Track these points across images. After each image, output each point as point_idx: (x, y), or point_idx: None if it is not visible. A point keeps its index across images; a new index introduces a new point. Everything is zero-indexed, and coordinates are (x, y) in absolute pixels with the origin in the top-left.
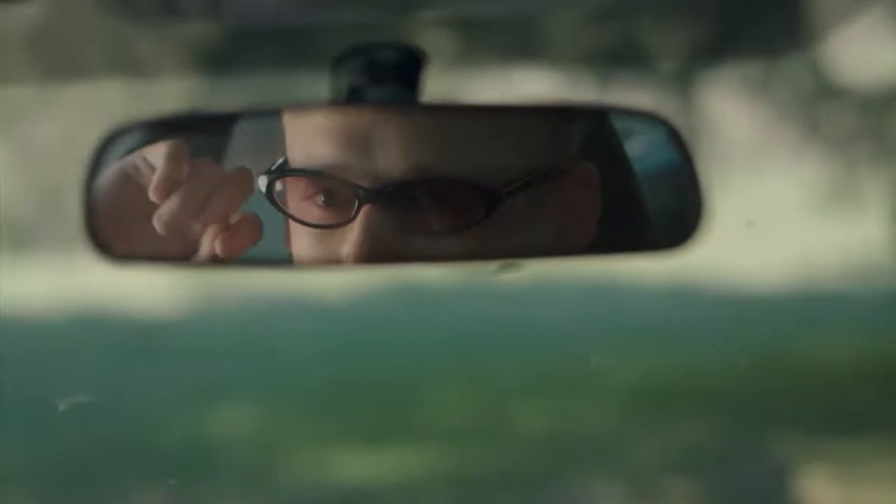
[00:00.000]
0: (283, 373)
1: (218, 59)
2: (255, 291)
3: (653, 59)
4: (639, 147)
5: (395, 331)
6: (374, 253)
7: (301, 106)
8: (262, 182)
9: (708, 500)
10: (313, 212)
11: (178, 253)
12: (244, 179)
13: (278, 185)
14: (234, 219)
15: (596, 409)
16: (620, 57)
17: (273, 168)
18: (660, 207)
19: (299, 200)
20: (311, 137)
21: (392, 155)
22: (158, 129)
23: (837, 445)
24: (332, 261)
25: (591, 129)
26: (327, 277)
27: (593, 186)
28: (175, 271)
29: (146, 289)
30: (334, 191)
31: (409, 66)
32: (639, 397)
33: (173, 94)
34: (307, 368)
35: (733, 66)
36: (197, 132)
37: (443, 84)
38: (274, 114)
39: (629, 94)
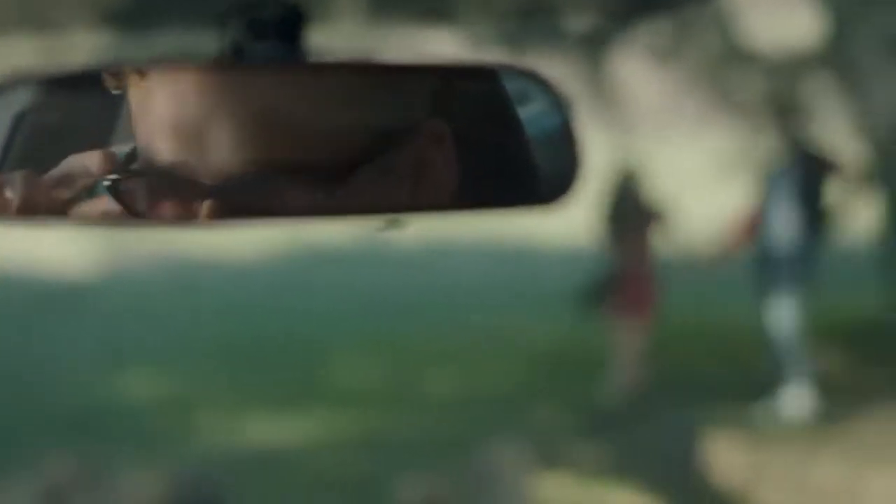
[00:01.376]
0: (192, 336)
1: (128, 17)
2: (164, 254)
3: (563, 21)
4: (523, 106)
5: (303, 294)
6: (226, 217)
7: (169, 64)
8: (105, 183)
9: (614, 462)
10: (164, 202)
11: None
12: (108, 160)
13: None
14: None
15: (501, 372)
16: (531, 19)
17: (122, 158)
18: (536, 165)
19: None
20: (169, 108)
21: (241, 135)
22: (46, 83)
23: (740, 411)
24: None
25: (464, 88)
26: (235, 241)
27: (447, 144)
28: (71, 231)
29: (54, 251)
30: (182, 182)
31: (289, 23)
32: (543, 360)
33: (83, 49)
34: (216, 331)
35: (643, 29)
36: (77, 87)
37: (355, 43)
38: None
39: (540, 57)
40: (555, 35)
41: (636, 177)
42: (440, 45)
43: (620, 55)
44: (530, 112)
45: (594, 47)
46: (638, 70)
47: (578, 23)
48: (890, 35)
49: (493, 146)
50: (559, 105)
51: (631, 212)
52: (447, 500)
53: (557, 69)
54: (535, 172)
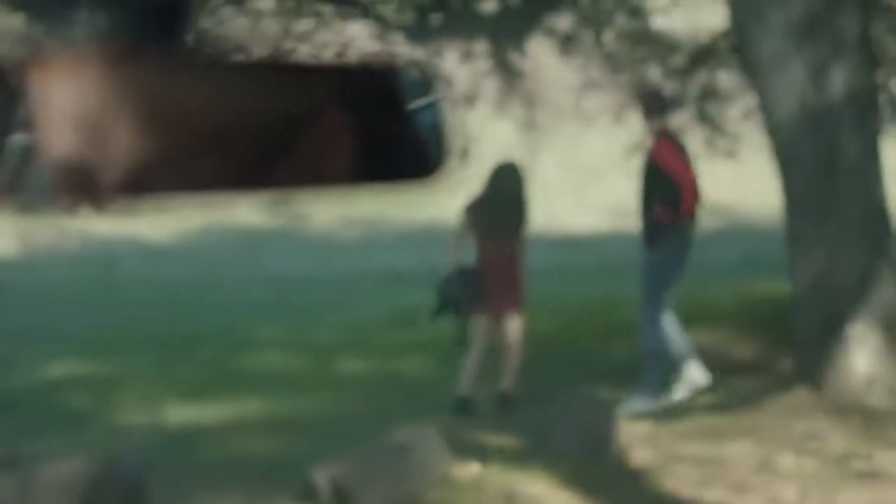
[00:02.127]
0: (109, 320)
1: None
2: (74, 241)
3: (472, 10)
4: (412, 95)
5: (216, 276)
6: (129, 201)
7: (66, 53)
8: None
9: (538, 433)
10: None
11: None
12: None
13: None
14: None
15: (417, 353)
16: (442, 9)
17: (19, 149)
18: (419, 148)
19: None
20: (67, 99)
21: (141, 123)
22: None
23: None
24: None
25: (361, 82)
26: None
27: (344, 131)
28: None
29: None
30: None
31: (171, 11)
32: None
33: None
34: (131, 315)
35: (553, 16)
36: None
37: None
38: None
39: (449, 46)
40: (461, 25)
41: (516, 171)
42: (353, 33)
43: (530, 44)
44: (421, 101)
45: (504, 36)
46: (548, 59)
47: (488, 12)
48: (793, 20)
49: (382, 132)
50: (439, 95)
51: (504, 205)
52: (356, 479)
53: (465, 59)
54: (417, 155)
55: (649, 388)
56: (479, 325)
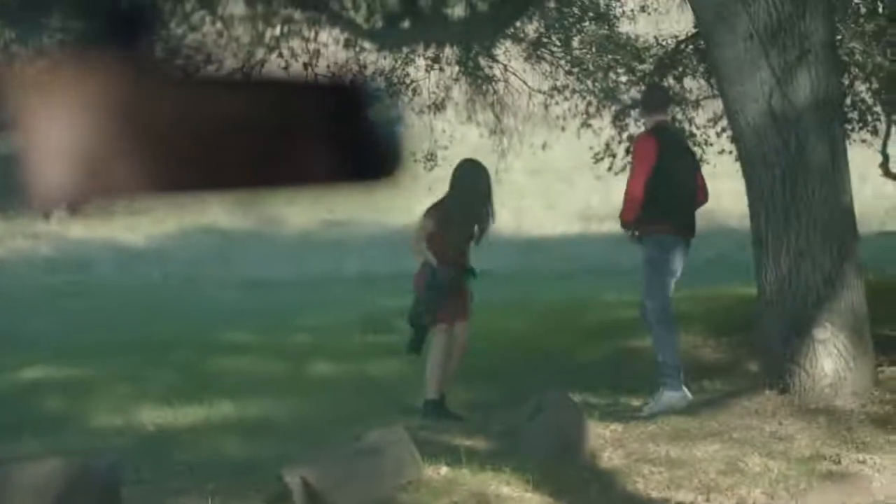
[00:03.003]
0: (87, 322)
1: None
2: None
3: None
4: (376, 103)
5: (192, 279)
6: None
7: (43, 59)
8: None
9: (508, 435)
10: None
11: None
12: None
13: None
14: None
15: (388, 356)
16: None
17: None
18: (375, 154)
19: None
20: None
21: (103, 127)
22: None
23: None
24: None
25: (322, 94)
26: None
27: (305, 137)
28: None
29: None
30: None
31: (140, 19)
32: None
33: None
34: (110, 317)
35: (530, 22)
36: None
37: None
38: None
39: (420, 53)
40: (430, 31)
41: (481, 169)
42: (323, 40)
43: (500, 49)
44: (384, 108)
45: (473, 42)
46: (517, 64)
47: (457, 18)
48: (759, 26)
49: (340, 139)
50: (396, 106)
51: (473, 205)
52: (328, 481)
53: (434, 65)
54: (376, 159)
55: (673, 382)
56: (440, 330)
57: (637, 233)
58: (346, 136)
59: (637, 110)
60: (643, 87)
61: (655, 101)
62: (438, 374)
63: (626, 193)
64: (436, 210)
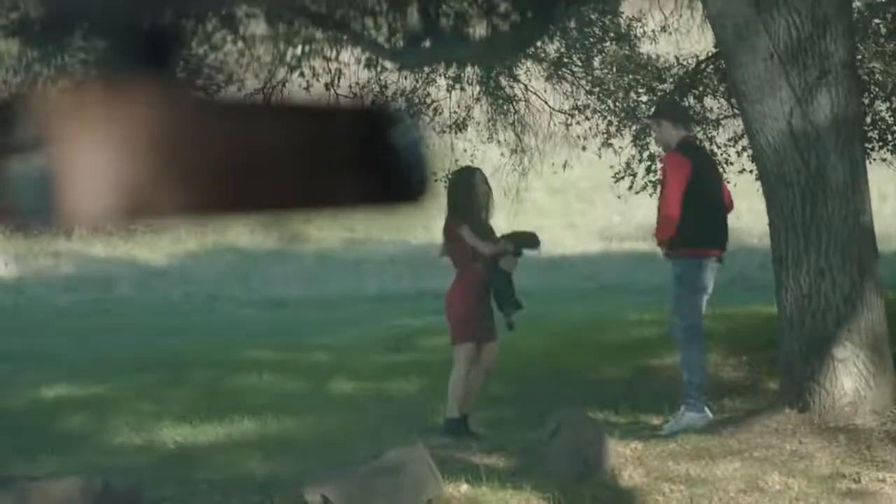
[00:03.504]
0: (105, 341)
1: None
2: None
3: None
4: (398, 123)
5: (213, 298)
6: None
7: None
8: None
9: (529, 453)
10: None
11: None
12: None
13: None
14: None
15: (408, 375)
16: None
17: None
18: (399, 176)
19: None
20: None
21: (126, 149)
22: None
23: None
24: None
25: (343, 117)
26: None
27: (331, 157)
28: None
29: None
30: None
31: (164, 39)
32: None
33: None
34: (131, 336)
35: (551, 42)
36: None
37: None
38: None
39: (441, 74)
40: (451, 51)
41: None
42: (344, 60)
43: (521, 69)
44: (407, 129)
45: (494, 62)
46: (538, 84)
47: (478, 38)
48: (779, 45)
49: (365, 162)
50: (425, 122)
51: (482, 213)
52: (348, 499)
53: (455, 85)
54: (401, 180)
55: (696, 403)
56: (465, 349)
57: (670, 250)
58: (371, 158)
59: (658, 123)
60: (663, 102)
61: (682, 117)
62: (460, 392)
63: (662, 211)
64: (461, 218)
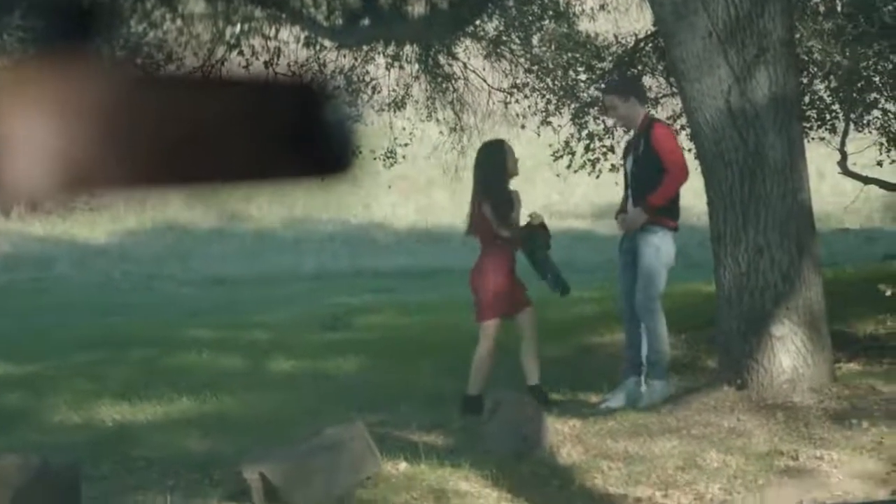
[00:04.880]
0: (46, 319)
1: None
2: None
3: (401, 15)
4: (334, 100)
5: (152, 276)
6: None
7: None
8: None
9: (467, 432)
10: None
11: None
12: None
13: None
14: None
15: (346, 353)
16: (376, 11)
17: None
18: (329, 150)
19: None
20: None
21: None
22: None
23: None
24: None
25: (277, 90)
26: (87, 227)
27: (265, 132)
28: None
29: None
30: None
31: (99, 24)
32: (393, 343)
33: None
34: (70, 314)
35: (489, 20)
36: None
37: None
38: None
39: (380, 51)
40: (390, 30)
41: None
42: (283, 38)
43: (460, 47)
44: (335, 108)
45: (432, 40)
46: (477, 62)
47: (417, 16)
48: (717, 23)
49: (294, 136)
50: (351, 104)
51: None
52: (286, 477)
53: (394, 63)
54: (325, 156)
55: (664, 372)
56: (490, 326)
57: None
58: (300, 132)
59: (626, 99)
60: (630, 78)
61: (645, 94)
62: (484, 370)
63: (670, 178)
64: (485, 195)
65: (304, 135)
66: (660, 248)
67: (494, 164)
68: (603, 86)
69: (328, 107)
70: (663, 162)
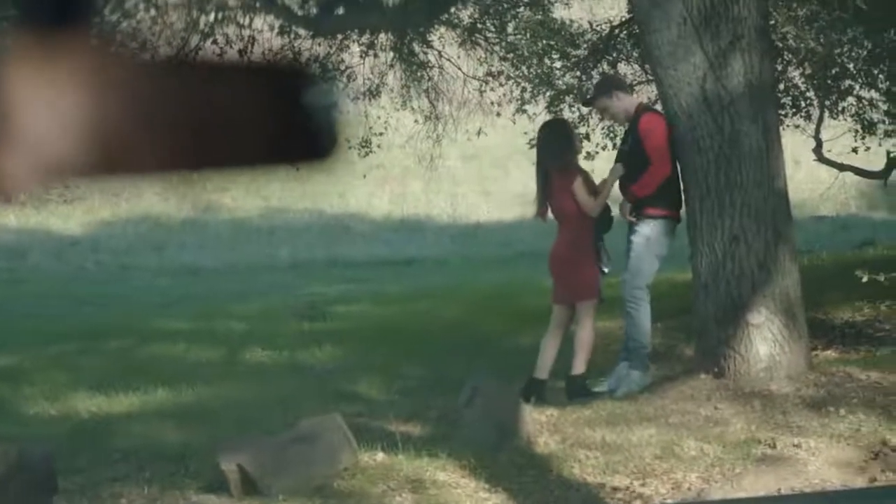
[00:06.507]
0: (21, 310)
1: None
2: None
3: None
4: (311, 88)
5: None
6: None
7: None
8: None
9: (444, 421)
10: None
11: None
12: None
13: None
14: None
15: (322, 343)
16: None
17: None
18: (311, 137)
19: None
20: None
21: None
22: None
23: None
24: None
25: (257, 79)
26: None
27: (244, 119)
28: None
29: None
30: None
31: (72, 11)
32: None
33: None
34: (44, 305)
35: (464, 7)
36: None
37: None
38: None
39: (353, 40)
40: (365, 18)
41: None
42: (258, 27)
43: (434, 35)
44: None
45: (407, 28)
46: (452, 50)
47: (391, 4)
48: (692, 10)
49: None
50: (331, 92)
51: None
52: (263, 467)
53: (369, 51)
54: (310, 143)
55: (643, 361)
56: (594, 305)
57: (643, 210)
58: (282, 120)
59: (616, 97)
60: (606, 77)
61: (624, 84)
62: (550, 354)
63: (653, 169)
64: (568, 171)
65: (285, 122)
66: (650, 238)
67: (566, 141)
68: (588, 97)
69: (312, 94)
70: (647, 152)
